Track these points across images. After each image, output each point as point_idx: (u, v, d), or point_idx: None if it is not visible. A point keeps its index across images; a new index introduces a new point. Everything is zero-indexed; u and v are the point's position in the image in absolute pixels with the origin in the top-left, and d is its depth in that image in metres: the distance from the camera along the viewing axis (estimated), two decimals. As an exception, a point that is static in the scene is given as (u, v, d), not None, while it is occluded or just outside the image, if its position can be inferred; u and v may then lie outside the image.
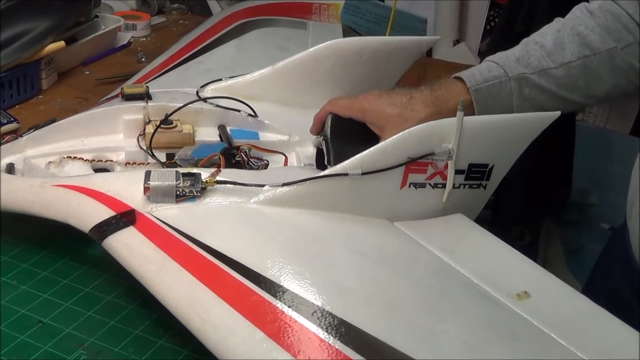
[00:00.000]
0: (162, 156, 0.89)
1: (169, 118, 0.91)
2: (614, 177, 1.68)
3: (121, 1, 1.59)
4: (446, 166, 0.77)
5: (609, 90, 0.88)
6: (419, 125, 0.76)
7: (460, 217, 0.81)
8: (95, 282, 0.77)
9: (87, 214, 0.73)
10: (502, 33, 1.73)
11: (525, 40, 0.89)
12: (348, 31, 1.40)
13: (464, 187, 0.80)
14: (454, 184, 0.78)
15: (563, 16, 0.90)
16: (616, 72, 0.86)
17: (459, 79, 0.87)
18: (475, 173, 0.80)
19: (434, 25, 1.96)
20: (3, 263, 0.79)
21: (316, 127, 0.89)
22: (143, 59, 1.34)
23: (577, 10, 0.89)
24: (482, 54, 1.98)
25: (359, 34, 1.58)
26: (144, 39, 1.48)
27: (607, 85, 0.87)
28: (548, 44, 0.86)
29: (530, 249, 1.58)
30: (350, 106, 0.86)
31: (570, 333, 0.64)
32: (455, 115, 0.75)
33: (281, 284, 0.64)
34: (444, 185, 0.78)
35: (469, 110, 0.84)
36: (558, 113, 0.80)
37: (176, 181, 0.72)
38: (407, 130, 0.75)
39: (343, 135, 0.87)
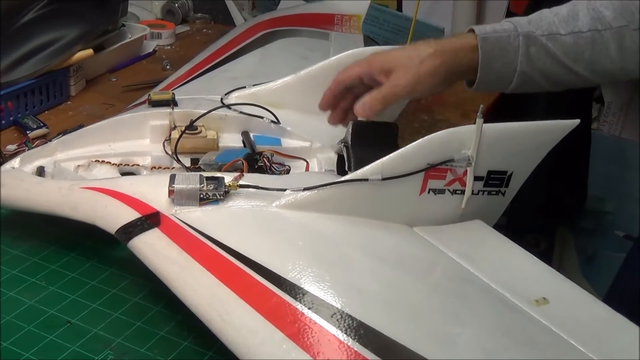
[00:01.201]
0: (187, 161, 0.88)
1: (194, 124, 0.90)
2: (629, 185, 1.65)
3: (147, 11, 1.60)
4: (465, 172, 0.76)
5: (614, 70, 0.84)
6: (438, 132, 0.75)
7: (479, 223, 0.79)
8: (122, 284, 0.77)
9: (113, 216, 0.72)
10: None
11: (542, 9, 0.87)
12: (367, 41, 1.39)
13: (482, 194, 0.78)
14: (472, 191, 0.77)
15: None
16: (625, 52, 0.83)
17: (471, 31, 0.85)
18: (494, 180, 0.78)
19: (451, 35, 1.94)
20: (33, 264, 0.79)
21: (326, 99, 0.87)
22: (168, 67, 1.34)
23: None
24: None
25: (378, 44, 1.57)
26: (169, 47, 1.48)
27: (614, 64, 0.84)
28: (562, 12, 0.84)
29: (545, 256, 1.55)
30: (359, 64, 0.84)
31: (589, 340, 0.62)
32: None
33: (301, 286, 0.63)
34: (462, 192, 0.77)
35: (473, 56, 0.83)
36: (577, 121, 0.78)
37: (200, 184, 0.72)
38: (426, 137, 0.74)
39: (363, 142, 0.85)
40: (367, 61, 0.83)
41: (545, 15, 0.85)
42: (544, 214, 1.59)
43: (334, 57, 0.99)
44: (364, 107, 0.82)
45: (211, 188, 0.72)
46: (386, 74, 0.82)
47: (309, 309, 0.60)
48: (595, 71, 0.85)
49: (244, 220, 0.72)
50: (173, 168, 0.88)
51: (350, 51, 0.99)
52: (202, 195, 0.72)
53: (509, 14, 1.96)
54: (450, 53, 0.80)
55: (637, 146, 1.70)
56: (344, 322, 0.59)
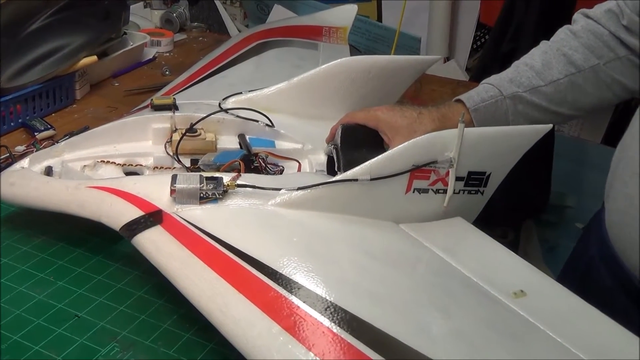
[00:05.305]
0: (187, 162, 0.86)
1: (194, 127, 0.88)
2: (586, 181, 1.65)
3: (147, 20, 1.57)
4: (447, 173, 0.74)
5: (595, 103, 0.85)
6: (423, 136, 0.73)
7: (459, 220, 0.77)
8: (127, 279, 0.74)
9: (118, 214, 0.70)
10: (491, 51, 1.70)
11: (515, 62, 0.87)
12: (352, 50, 1.36)
13: (463, 193, 0.77)
14: (454, 190, 0.75)
15: (547, 38, 0.88)
16: (601, 86, 0.83)
17: (460, 101, 0.85)
18: (474, 180, 0.76)
19: (426, 44, 1.93)
20: (41, 260, 0.75)
21: (332, 136, 0.87)
22: (167, 72, 1.32)
23: (561, 33, 0.86)
24: (470, 70, 1.96)
25: (359, 51, 1.54)
26: (168, 54, 1.45)
27: (594, 99, 0.84)
28: (537, 64, 0.84)
29: (511, 246, 1.54)
30: (366, 115, 0.84)
31: (565, 331, 0.60)
32: (454, 122, 0.72)
33: (296, 280, 0.60)
34: (445, 191, 0.75)
35: (468, 124, 0.81)
36: (551, 126, 0.77)
37: (200, 184, 0.69)
38: (412, 140, 0.72)
39: (352, 145, 0.84)
40: (377, 119, 0.83)
41: (522, 70, 0.84)
42: (513, 210, 1.58)
43: (323, 66, 0.97)
44: None
45: (211, 188, 0.69)
46: (390, 137, 0.82)
47: (303, 302, 0.58)
48: (578, 108, 0.85)
49: (242, 218, 0.69)
50: (174, 168, 0.85)
51: (339, 60, 0.97)
52: (202, 195, 0.69)
53: (480, 25, 1.95)
54: (445, 120, 0.81)
55: (594, 146, 1.71)
56: (338, 315, 0.56)
